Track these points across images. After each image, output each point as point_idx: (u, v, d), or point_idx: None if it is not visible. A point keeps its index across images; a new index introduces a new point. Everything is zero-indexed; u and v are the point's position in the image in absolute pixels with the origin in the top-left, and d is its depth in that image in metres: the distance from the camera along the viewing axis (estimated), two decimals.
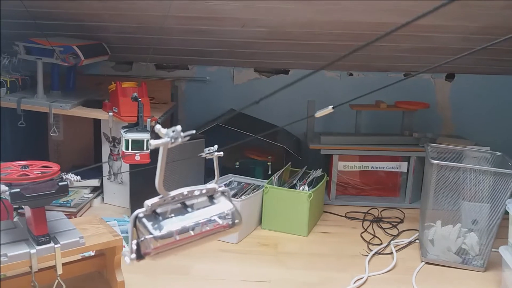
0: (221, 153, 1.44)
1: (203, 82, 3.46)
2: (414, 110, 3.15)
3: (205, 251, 2.43)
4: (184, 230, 0.94)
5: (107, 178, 2.88)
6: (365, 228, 2.78)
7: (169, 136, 0.89)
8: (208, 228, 0.96)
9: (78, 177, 1.73)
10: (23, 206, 1.94)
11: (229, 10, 2.60)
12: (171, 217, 0.96)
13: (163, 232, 0.92)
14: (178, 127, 0.90)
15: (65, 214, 2.00)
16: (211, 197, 1.04)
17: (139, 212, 0.94)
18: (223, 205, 1.02)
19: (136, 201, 2.66)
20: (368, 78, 3.43)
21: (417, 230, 2.67)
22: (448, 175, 2.33)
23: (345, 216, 2.95)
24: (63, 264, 1.74)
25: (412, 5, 2.45)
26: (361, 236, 2.67)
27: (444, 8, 2.60)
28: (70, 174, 1.72)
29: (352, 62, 3.30)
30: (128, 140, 2.18)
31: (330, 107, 1.31)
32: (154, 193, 2.57)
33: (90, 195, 2.85)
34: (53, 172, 1.70)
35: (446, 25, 2.69)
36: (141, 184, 2.62)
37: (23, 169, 1.70)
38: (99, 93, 2.94)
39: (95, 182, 2.89)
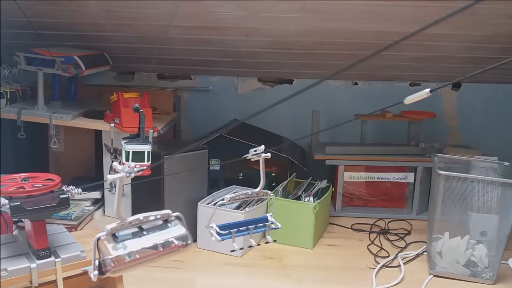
0: (269, 154, 1.49)
1: (206, 92, 3.46)
2: (420, 120, 3.14)
3: (209, 264, 2.42)
4: (138, 251, 1.08)
5: (109, 190, 2.87)
6: (372, 240, 2.76)
7: (124, 171, 1.07)
8: (161, 249, 1.11)
9: (79, 190, 1.72)
10: (23, 220, 1.93)
11: (232, 19, 2.60)
12: (128, 239, 1.10)
13: (120, 253, 1.06)
14: (132, 164, 1.09)
15: (66, 227, 1.99)
16: (165, 221, 1.17)
17: (100, 235, 1.08)
18: (176, 229, 1.15)
19: (138, 213, 2.65)
20: (373, 88, 3.43)
21: (425, 242, 2.66)
22: (456, 186, 2.32)
23: (351, 228, 2.93)
24: (64, 279, 1.73)
25: (419, 14, 2.45)
26: (368, 249, 2.65)
27: (450, 17, 2.60)
28: (71, 186, 1.72)
29: (357, 72, 3.30)
30: (128, 152, 2.17)
31: (427, 90, 1.26)
32: (156, 205, 2.57)
33: (91, 208, 2.84)
34: (53, 185, 1.69)
35: (452, 34, 2.69)
36: (143, 196, 2.61)
37: (23, 182, 1.69)
38: (101, 104, 2.94)
39: (96, 195, 2.88)
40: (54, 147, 2.84)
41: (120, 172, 1.07)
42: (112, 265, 1.06)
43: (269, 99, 3.41)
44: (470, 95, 3.44)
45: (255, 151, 1.49)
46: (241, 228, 1.54)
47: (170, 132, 3.20)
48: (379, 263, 2.46)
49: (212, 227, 1.50)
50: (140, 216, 1.13)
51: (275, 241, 1.66)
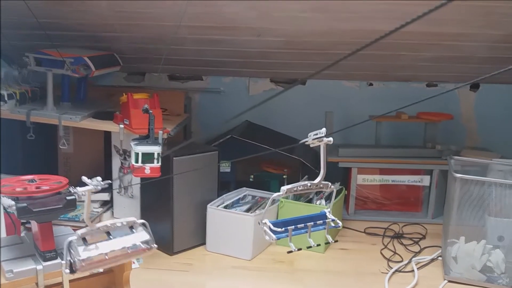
0: (331, 139, 1.39)
1: (218, 93, 3.48)
2: (437, 122, 3.13)
3: (218, 268, 2.43)
4: (104, 253, 1.25)
5: (117, 192, 2.89)
6: (385, 244, 2.75)
7: (92, 185, 1.25)
8: (129, 251, 1.28)
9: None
10: (30, 221, 1.96)
11: (244, 19, 2.62)
12: (96, 243, 1.26)
13: (88, 255, 1.23)
14: (99, 178, 1.25)
15: (73, 229, 2.01)
16: (131, 228, 1.32)
17: (72, 238, 1.24)
18: (141, 235, 1.31)
19: (147, 216, 2.66)
20: (388, 88, 3.42)
21: (440, 247, 2.65)
22: (473, 190, 2.31)
23: (364, 232, 2.93)
24: (71, 281, 1.75)
25: (434, 13, 2.44)
26: (381, 253, 2.65)
27: (467, 17, 2.59)
28: (78, 188, 1.73)
29: (372, 72, 3.29)
30: (138, 153, 2.18)
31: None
32: (165, 208, 2.58)
33: (100, 210, 2.86)
34: (57, 187, 1.71)
35: (470, 34, 2.68)
36: (152, 198, 2.63)
37: (30, 183, 1.71)
38: (110, 105, 2.97)
39: (104, 196, 2.90)
40: (63, 148, 2.86)
41: (89, 185, 1.25)
42: (83, 264, 1.22)
43: (282, 100, 3.41)
44: (489, 96, 3.42)
45: (316, 134, 1.39)
46: (298, 226, 1.43)
47: (180, 134, 3.21)
48: (392, 268, 2.45)
49: (265, 223, 1.40)
50: (108, 222, 1.28)
51: (336, 241, 1.59)
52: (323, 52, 2.96)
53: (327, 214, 1.50)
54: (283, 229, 1.40)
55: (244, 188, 2.93)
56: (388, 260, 2.56)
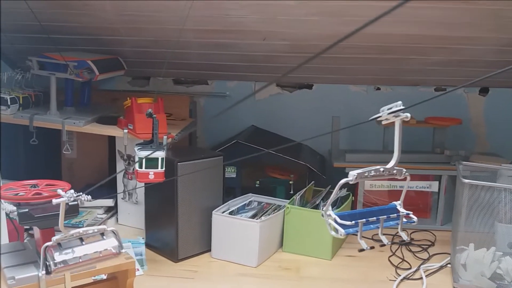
0: (408, 115, 1.23)
1: (223, 97, 3.47)
2: (445, 126, 3.12)
3: (223, 275, 2.43)
4: (76, 258, 1.41)
5: (122, 198, 2.89)
6: (393, 251, 2.74)
7: (65, 196, 1.37)
8: (100, 255, 1.44)
9: (89, 197, 1.73)
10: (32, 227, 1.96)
11: (249, 23, 2.62)
12: (70, 247, 1.41)
13: (63, 258, 1.39)
14: (72, 191, 1.39)
15: None
16: (102, 235, 1.46)
17: (48, 244, 1.39)
18: (110, 241, 1.46)
19: (151, 222, 2.67)
20: (396, 93, 3.41)
21: (449, 254, 2.63)
22: (482, 196, 2.29)
23: (372, 239, 2.90)
24: None
25: (443, 16, 2.44)
26: (389, 260, 2.63)
27: (476, 20, 2.58)
28: (81, 193, 1.73)
29: (379, 76, 3.28)
30: (141, 158, 2.18)
31: None
32: (169, 214, 2.57)
33: (104, 216, 2.86)
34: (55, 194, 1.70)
35: (478, 37, 2.67)
36: (157, 204, 2.63)
37: (32, 189, 1.71)
38: (114, 109, 2.97)
39: (109, 202, 2.90)
40: (66, 153, 2.87)
41: (64, 197, 1.37)
42: (59, 266, 1.38)
43: (288, 104, 3.41)
44: (498, 100, 3.40)
45: (389, 109, 1.23)
46: (370, 219, 1.27)
47: (185, 139, 3.21)
48: (400, 275, 2.44)
49: (330, 215, 1.26)
50: (81, 230, 1.44)
51: (411, 240, 1.49)
52: (330, 56, 2.95)
53: (398, 207, 1.33)
54: (353, 222, 1.25)
55: (250, 194, 2.92)
56: (396, 267, 2.54)
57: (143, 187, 2.68)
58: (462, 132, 3.35)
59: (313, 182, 3.00)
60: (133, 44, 2.95)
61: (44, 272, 1.42)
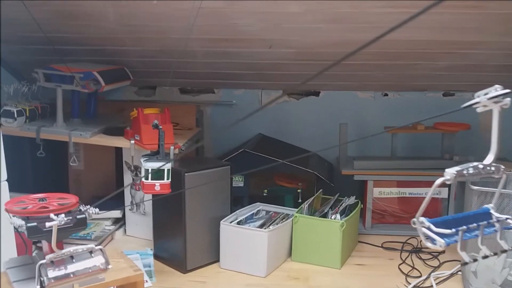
0: (508, 100, 1.07)
1: (230, 106, 3.49)
2: (454, 132, 3.11)
3: (233, 285, 2.43)
4: (68, 274, 1.47)
5: (130, 209, 2.90)
6: (404, 259, 2.73)
7: (57, 220, 1.43)
8: (90, 271, 1.50)
9: (97, 210, 1.74)
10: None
11: (255, 31, 2.63)
12: (62, 265, 1.48)
13: (55, 275, 1.45)
14: (62, 215, 1.45)
15: None
16: (90, 253, 1.53)
17: (42, 261, 1.45)
18: (98, 258, 1.53)
19: (159, 233, 2.68)
20: (404, 99, 3.41)
21: (459, 261, 2.62)
22: (490, 202, 2.28)
23: (382, 247, 2.91)
24: None
25: (451, 21, 2.45)
26: (399, 268, 2.63)
27: (484, 24, 2.59)
28: (89, 206, 1.74)
29: (387, 82, 3.28)
30: (147, 170, 2.19)
31: None
32: (177, 225, 2.58)
33: (112, 227, 2.88)
34: (70, 205, 1.72)
35: (486, 42, 2.68)
36: (165, 215, 2.64)
37: (40, 202, 1.72)
38: (121, 120, 2.98)
39: (117, 214, 2.92)
40: (73, 165, 2.88)
41: (56, 220, 1.44)
42: (51, 281, 1.44)
43: (295, 112, 3.42)
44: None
45: (486, 94, 1.05)
46: (470, 226, 1.10)
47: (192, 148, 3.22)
48: (410, 284, 2.44)
49: (422, 222, 1.08)
50: (71, 248, 1.50)
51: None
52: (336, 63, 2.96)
53: (492, 211, 1.16)
54: (454, 230, 1.08)
55: (258, 203, 2.93)
56: (406, 275, 2.54)
57: (151, 200, 2.70)
58: (471, 137, 3.34)
59: (321, 190, 3.00)
60: (138, 54, 2.97)
61: (38, 287, 1.50)
